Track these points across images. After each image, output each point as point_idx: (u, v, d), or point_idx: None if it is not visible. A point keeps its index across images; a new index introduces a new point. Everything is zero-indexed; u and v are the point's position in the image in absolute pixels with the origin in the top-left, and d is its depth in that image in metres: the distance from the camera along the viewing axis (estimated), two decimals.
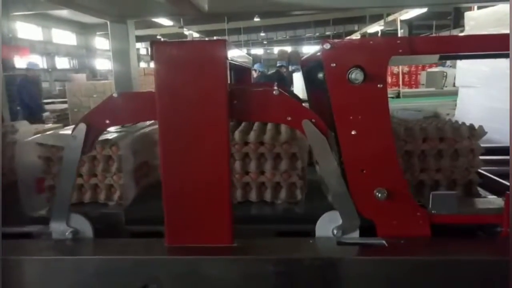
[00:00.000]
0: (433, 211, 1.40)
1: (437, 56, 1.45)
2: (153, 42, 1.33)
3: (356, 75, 1.30)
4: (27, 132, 2.13)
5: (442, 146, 1.61)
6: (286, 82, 8.28)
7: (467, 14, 5.52)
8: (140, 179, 1.86)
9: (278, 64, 8.75)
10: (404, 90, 9.56)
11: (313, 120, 1.36)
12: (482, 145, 1.64)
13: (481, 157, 1.98)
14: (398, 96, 8.63)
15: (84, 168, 1.70)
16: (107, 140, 1.68)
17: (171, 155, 1.36)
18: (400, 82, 9.47)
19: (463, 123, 1.69)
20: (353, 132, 1.36)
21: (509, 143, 1.22)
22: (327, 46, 1.34)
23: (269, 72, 10.25)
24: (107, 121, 1.44)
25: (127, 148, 1.72)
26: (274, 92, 1.39)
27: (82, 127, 1.42)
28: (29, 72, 7.32)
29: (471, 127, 1.65)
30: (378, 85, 1.33)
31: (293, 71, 8.75)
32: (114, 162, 1.68)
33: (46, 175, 1.72)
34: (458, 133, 1.62)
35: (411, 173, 1.62)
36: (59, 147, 1.68)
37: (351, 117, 1.35)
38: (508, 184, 1.48)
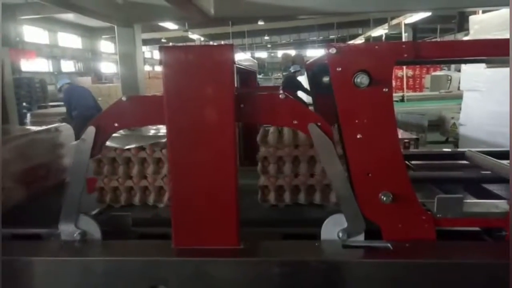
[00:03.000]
0: (438, 215, 1.40)
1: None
2: (162, 46, 1.35)
3: (362, 79, 1.31)
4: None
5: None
6: (301, 88, 7.96)
7: (472, 18, 5.52)
8: None
9: (292, 70, 8.50)
10: (408, 93, 9.55)
11: (318, 124, 1.38)
12: (486, 149, 1.65)
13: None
14: (402, 99, 8.63)
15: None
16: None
17: (179, 158, 1.38)
18: (405, 86, 9.47)
19: None
20: (358, 136, 1.37)
21: (509, 146, 1.23)
22: (333, 50, 1.35)
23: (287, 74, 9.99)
24: (116, 124, 1.47)
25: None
26: (280, 96, 1.40)
27: (91, 130, 1.45)
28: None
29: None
30: (384, 89, 1.34)
31: (295, 72, 8.67)
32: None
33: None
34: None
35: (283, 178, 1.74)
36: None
37: (356, 121, 1.36)
38: None
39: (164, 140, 1.76)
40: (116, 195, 1.83)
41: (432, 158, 2.42)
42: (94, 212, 1.73)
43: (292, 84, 7.71)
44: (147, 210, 1.79)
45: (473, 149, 2.20)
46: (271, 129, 1.80)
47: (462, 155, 2.22)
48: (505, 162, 1.87)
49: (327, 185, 1.73)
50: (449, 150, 2.96)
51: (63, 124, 2.34)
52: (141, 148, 1.78)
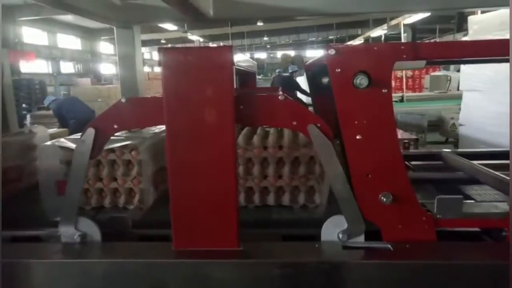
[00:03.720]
0: (438, 216, 1.40)
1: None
2: (161, 48, 1.35)
3: (361, 80, 1.31)
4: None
5: (280, 154, 1.71)
6: (299, 88, 8.24)
7: (471, 18, 5.53)
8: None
9: (290, 70, 8.81)
10: (408, 94, 9.55)
11: (318, 125, 1.38)
12: (486, 149, 1.66)
13: (483, 162, 2.00)
14: (401, 100, 8.63)
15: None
16: (127, 145, 1.71)
17: (178, 160, 1.38)
18: (404, 86, 9.47)
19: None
20: (358, 137, 1.37)
21: (509, 147, 1.22)
22: (332, 51, 1.35)
23: (275, 74, 10.39)
24: (115, 126, 1.46)
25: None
26: (279, 97, 1.40)
27: (91, 131, 1.44)
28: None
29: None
30: (383, 90, 1.34)
31: (292, 73, 8.90)
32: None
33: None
34: (296, 141, 1.69)
35: (252, 179, 1.75)
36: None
37: (356, 122, 1.36)
38: None
39: (133, 142, 1.77)
40: (87, 197, 1.82)
41: (407, 159, 2.41)
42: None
43: (289, 85, 7.84)
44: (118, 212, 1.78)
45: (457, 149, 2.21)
46: (244, 130, 1.81)
47: (438, 156, 2.22)
48: (475, 162, 1.87)
49: (296, 187, 1.75)
50: (425, 151, 2.97)
51: (38, 126, 2.32)
52: (111, 151, 1.77)
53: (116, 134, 1.59)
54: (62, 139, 1.84)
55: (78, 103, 6.83)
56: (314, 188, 1.74)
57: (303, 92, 8.05)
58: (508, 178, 1.60)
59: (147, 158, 1.76)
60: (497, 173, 1.67)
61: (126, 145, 1.72)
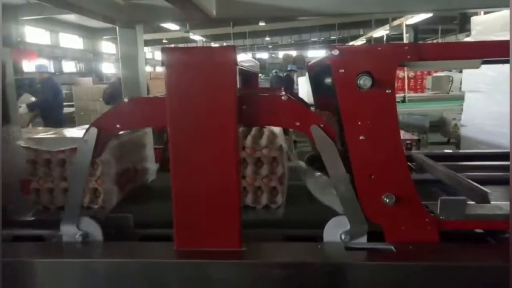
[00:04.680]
0: (441, 217, 1.40)
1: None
2: (164, 47, 1.35)
3: (365, 81, 1.31)
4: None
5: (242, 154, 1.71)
6: (294, 86, 8.60)
7: (474, 19, 5.51)
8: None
9: (288, 68, 9.13)
10: (410, 94, 9.54)
11: (321, 125, 1.37)
12: (488, 150, 1.64)
13: (485, 163, 2.00)
14: (403, 100, 8.62)
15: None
16: None
17: (181, 160, 1.38)
18: (406, 87, 9.45)
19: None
20: (361, 137, 1.36)
21: (509, 147, 1.22)
22: (335, 52, 1.35)
23: (273, 74, 10.61)
24: (118, 126, 1.47)
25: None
26: (283, 97, 1.40)
27: (93, 131, 1.44)
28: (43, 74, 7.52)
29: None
30: (387, 91, 1.34)
31: (290, 71, 9.13)
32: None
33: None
34: (257, 141, 1.69)
35: None
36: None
37: (359, 122, 1.36)
38: None
39: None
40: (53, 197, 1.80)
41: None
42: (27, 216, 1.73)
43: (287, 80, 8.11)
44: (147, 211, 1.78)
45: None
46: None
47: (410, 158, 2.21)
48: (440, 164, 1.86)
49: (259, 187, 1.74)
50: None
51: None
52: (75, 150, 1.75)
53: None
54: (28, 137, 1.84)
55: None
56: (276, 189, 1.74)
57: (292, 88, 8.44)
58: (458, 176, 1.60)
59: (111, 158, 1.76)
60: (458, 174, 1.66)
61: None
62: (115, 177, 1.80)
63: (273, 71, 10.53)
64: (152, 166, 2.26)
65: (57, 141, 1.82)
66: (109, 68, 25.27)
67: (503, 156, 2.05)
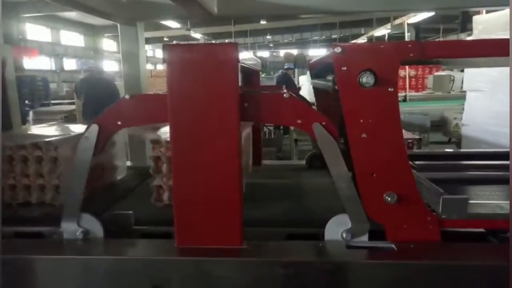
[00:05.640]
0: (443, 216, 1.39)
1: None
2: (166, 45, 1.35)
3: (367, 79, 1.30)
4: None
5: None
6: (293, 84, 8.53)
7: (476, 18, 5.49)
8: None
9: (285, 67, 9.09)
10: (411, 93, 9.53)
11: (323, 123, 1.37)
12: (488, 149, 1.64)
13: (484, 162, 1.99)
14: (404, 100, 8.60)
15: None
16: (50, 141, 1.73)
17: (182, 157, 1.37)
18: (407, 86, 9.44)
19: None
20: (363, 136, 1.36)
21: (509, 147, 1.21)
22: (338, 49, 1.34)
23: (278, 73, 10.65)
24: (119, 123, 1.46)
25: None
26: (284, 95, 1.40)
27: (94, 128, 1.44)
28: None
29: None
30: (389, 89, 1.33)
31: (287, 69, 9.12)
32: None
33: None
34: None
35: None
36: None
37: (361, 121, 1.35)
38: None
39: (58, 138, 1.77)
40: (14, 193, 1.79)
41: None
42: None
43: (285, 79, 8.08)
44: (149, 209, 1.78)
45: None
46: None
47: None
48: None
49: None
50: None
51: None
52: (37, 147, 1.75)
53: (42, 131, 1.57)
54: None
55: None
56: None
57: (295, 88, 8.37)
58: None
59: (72, 156, 1.73)
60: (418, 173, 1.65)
61: (50, 142, 1.73)
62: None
63: (280, 71, 10.56)
64: (122, 164, 2.26)
65: (20, 136, 1.85)
66: (110, 66, 25.30)
67: (488, 156, 2.05)
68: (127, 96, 1.46)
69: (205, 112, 1.34)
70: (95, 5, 3.53)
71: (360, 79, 1.31)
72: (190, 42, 20.73)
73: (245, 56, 1.74)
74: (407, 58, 1.35)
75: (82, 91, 5.49)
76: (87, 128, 1.46)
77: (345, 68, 1.34)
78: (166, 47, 1.34)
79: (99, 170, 1.99)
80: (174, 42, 20.88)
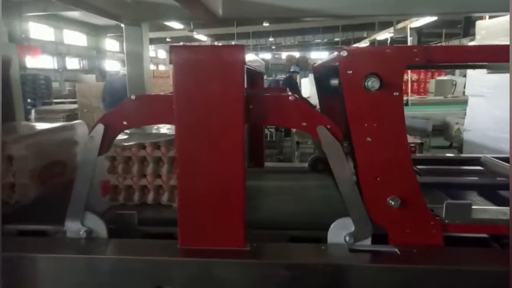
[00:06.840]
0: (446, 220, 1.39)
1: None
2: (172, 46, 1.35)
3: (373, 83, 1.31)
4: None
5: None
6: (296, 87, 8.51)
7: (479, 23, 5.49)
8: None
9: (291, 69, 9.07)
10: (413, 98, 9.52)
11: (328, 126, 1.37)
12: (490, 155, 1.64)
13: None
14: (406, 104, 8.59)
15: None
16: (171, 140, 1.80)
17: (187, 158, 1.38)
18: (409, 90, 9.44)
19: None
20: (368, 139, 1.36)
21: (509, 151, 1.22)
22: (344, 53, 1.35)
23: (283, 76, 10.64)
24: (125, 123, 1.47)
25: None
26: (290, 98, 1.40)
27: (100, 128, 1.45)
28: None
29: None
30: (394, 93, 1.34)
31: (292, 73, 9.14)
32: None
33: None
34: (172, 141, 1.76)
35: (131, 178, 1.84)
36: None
37: (366, 124, 1.35)
38: None
39: (16, 136, 1.82)
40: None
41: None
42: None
43: (289, 82, 8.05)
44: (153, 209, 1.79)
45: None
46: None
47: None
48: None
49: (175, 186, 1.78)
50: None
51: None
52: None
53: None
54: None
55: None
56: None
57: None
58: None
59: (27, 154, 1.79)
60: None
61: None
62: (33, 173, 1.83)
63: (286, 74, 10.56)
64: None
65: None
66: (112, 66, 25.36)
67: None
68: (133, 97, 1.47)
69: (211, 113, 1.34)
70: (100, 5, 3.55)
71: (366, 83, 1.31)
72: (192, 43, 20.77)
73: (251, 58, 1.75)
74: (413, 63, 1.36)
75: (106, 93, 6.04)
76: (92, 128, 1.46)
77: (351, 71, 1.35)
78: (173, 48, 1.35)
79: (60, 168, 2.03)
80: (181, 43, 20.96)
